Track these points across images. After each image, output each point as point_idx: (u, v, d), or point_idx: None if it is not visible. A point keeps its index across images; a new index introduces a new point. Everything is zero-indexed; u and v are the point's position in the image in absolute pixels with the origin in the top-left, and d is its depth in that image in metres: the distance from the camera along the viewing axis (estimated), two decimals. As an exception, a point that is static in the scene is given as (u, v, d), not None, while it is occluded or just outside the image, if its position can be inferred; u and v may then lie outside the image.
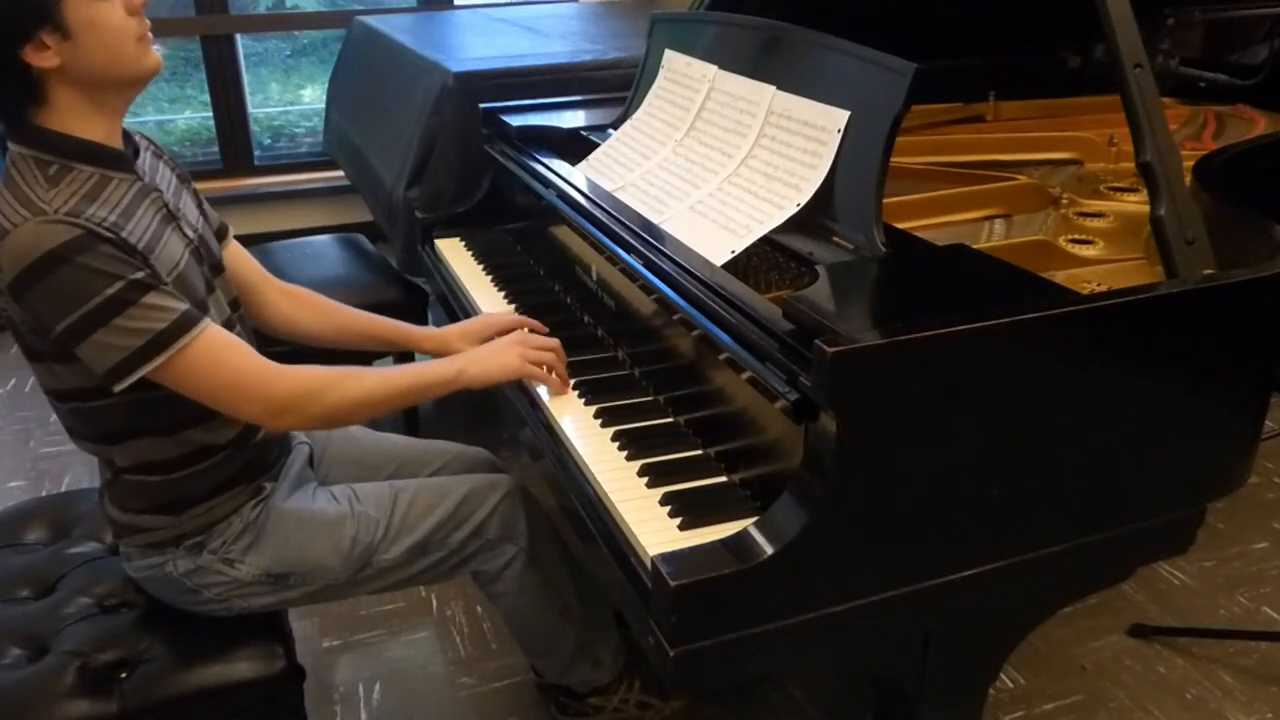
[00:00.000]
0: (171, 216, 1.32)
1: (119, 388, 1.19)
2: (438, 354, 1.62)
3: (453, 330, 1.65)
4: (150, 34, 1.25)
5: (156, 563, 1.38)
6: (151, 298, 1.17)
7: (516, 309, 1.81)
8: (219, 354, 1.22)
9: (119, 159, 1.26)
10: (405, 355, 2.63)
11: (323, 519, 1.44)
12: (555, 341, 1.49)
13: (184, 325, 1.19)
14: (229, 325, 1.37)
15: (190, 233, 1.35)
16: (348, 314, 1.65)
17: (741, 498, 1.22)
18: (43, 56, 1.16)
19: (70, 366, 1.23)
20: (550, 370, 1.47)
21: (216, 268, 1.41)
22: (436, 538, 1.48)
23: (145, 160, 1.34)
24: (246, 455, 1.40)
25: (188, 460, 1.34)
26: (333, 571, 1.43)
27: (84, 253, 1.13)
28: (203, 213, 1.45)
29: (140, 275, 1.17)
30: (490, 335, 1.63)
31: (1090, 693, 1.92)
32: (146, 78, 1.26)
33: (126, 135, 1.31)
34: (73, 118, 1.21)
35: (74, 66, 1.18)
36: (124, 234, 1.18)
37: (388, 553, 1.46)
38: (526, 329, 1.62)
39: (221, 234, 1.52)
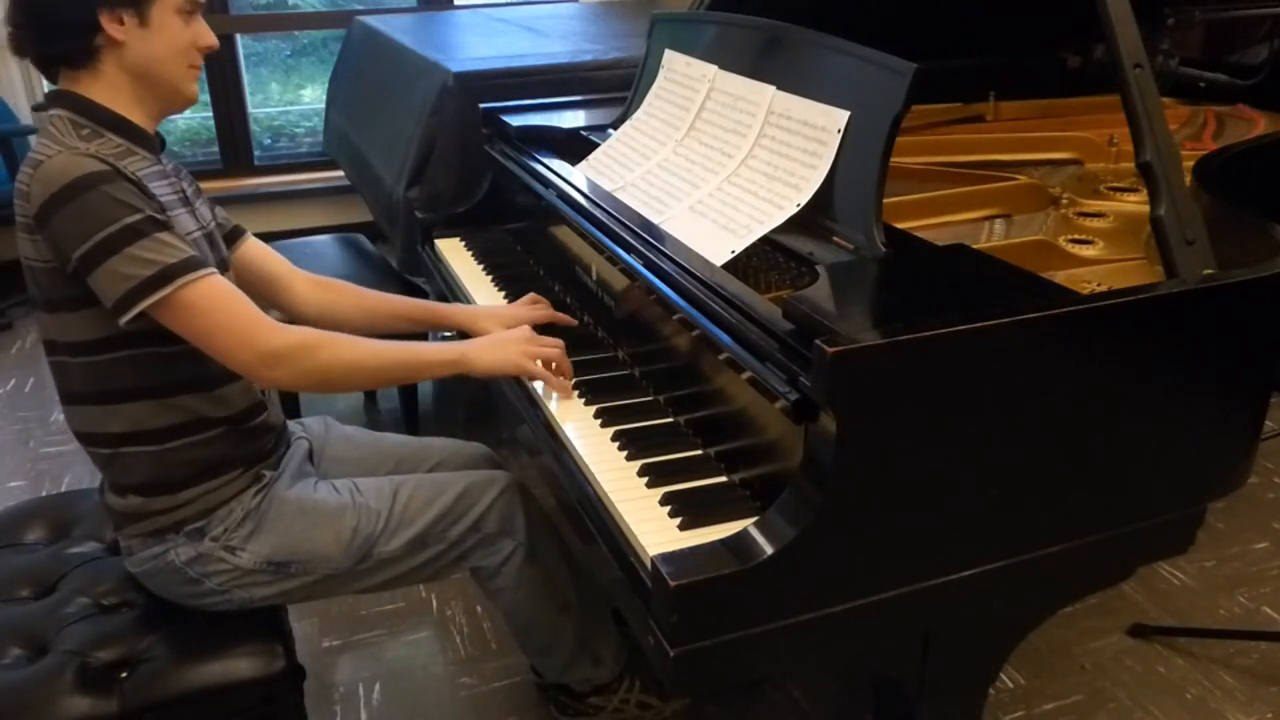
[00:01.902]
0: (186, 201, 1.40)
1: (126, 319, 1.23)
2: (466, 330, 1.66)
3: (482, 310, 1.67)
4: (199, 71, 1.38)
5: (158, 552, 1.39)
6: (165, 235, 1.25)
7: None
8: (221, 299, 1.27)
9: (146, 139, 1.35)
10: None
11: (324, 508, 1.45)
12: (560, 342, 1.49)
13: (191, 264, 1.25)
14: None
15: (202, 220, 1.43)
16: (375, 296, 1.69)
17: (741, 498, 1.22)
18: (114, 27, 1.27)
19: (82, 314, 1.28)
20: (554, 371, 1.47)
21: (223, 264, 1.45)
22: (436, 531, 1.49)
23: (165, 156, 1.42)
24: (240, 437, 1.42)
25: (182, 429, 1.36)
26: (334, 561, 1.44)
27: (109, 183, 1.22)
28: (213, 215, 1.51)
29: (158, 215, 1.25)
30: (516, 325, 1.64)
31: (1090, 693, 1.92)
32: (183, 101, 1.37)
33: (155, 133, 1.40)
34: (114, 96, 1.31)
35: (133, 53, 1.29)
36: (146, 186, 1.27)
37: (388, 545, 1.47)
38: (535, 320, 1.63)
39: (235, 236, 1.57)
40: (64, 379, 1.36)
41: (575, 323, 1.67)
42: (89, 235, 1.21)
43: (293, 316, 1.61)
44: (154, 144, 1.37)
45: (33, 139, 3.71)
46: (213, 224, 1.47)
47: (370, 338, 1.41)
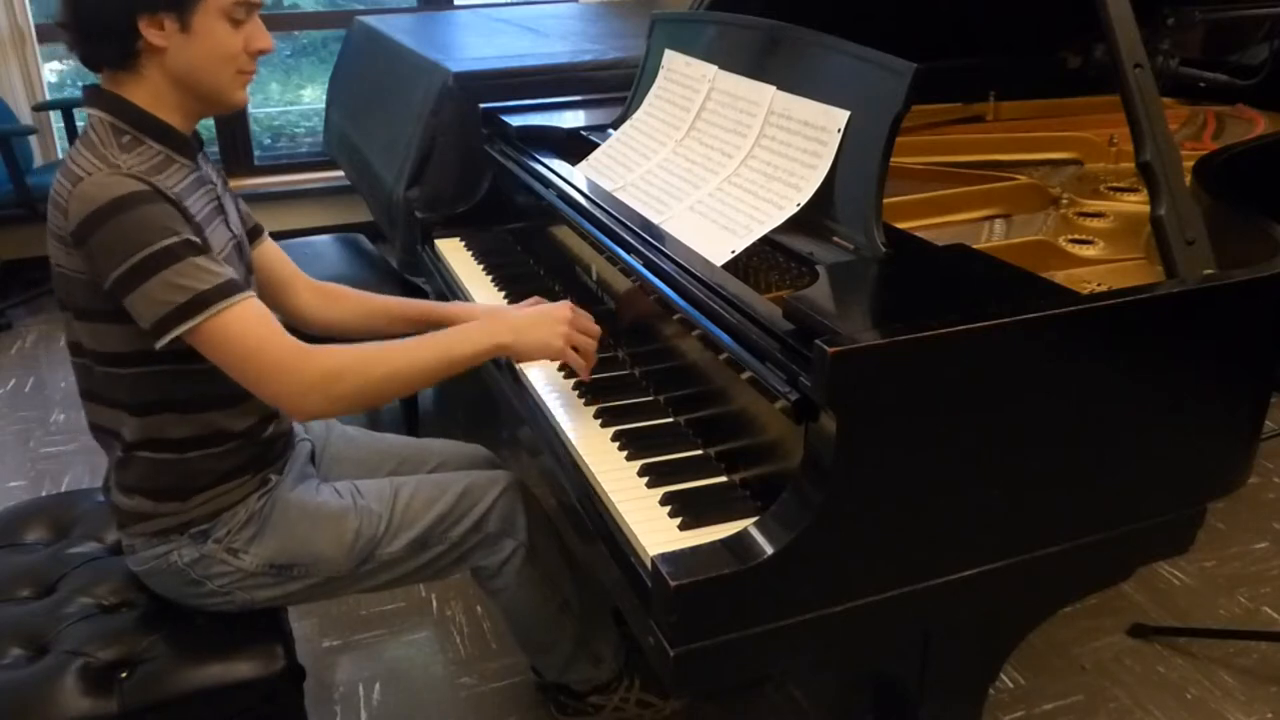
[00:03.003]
0: (221, 210, 1.38)
1: (160, 344, 1.22)
2: None
3: (481, 309, 1.65)
4: (252, 76, 1.34)
5: (161, 552, 1.38)
6: (202, 260, 1.22)
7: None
8: (255, 325, 1.24)
9: (185, 145, 1.33)
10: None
11: (326, 511, 1.45)
12: (598, 330, 1.46)
13: (227, 290, 1.23)
14: None
15: (234, 230, 1.41)
16: (376, 300, 1.67)
17: (741, 498, 1.22)
18: (154, 33, 1.23)
19: (116, 327, 1.27)
20: (586, 353, 1.45)
21: (249, 268, 1.46)
22: (437, 532, 1.49)
23: (200, 160, 1.40)
24: (255, 447, 1.42)
25: (201, 442, 1.35)
26: (335, 564, 1.44)
27: (147, 204, 1.19)
28: (240, 214, 1.50)
29: (195, 238, 1.23)
30: None
31: (1090, 693, 1.92)
32: (229, 108, 1.34)
33: (195, 132, 1.38)
34: (156, 100, 1.28)
35: (175, 59, 1.25)
36: (184, 205, 1.25)
37: (389, 546, 1.47)
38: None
39: (255, 234, 1.57)
40: (87, 380, 1.35)
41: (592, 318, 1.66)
42: (127, 257, 1.18)
43: (292, 321, 1.60)
44: (193, 149, 1.35)
45: (32, 139, 3.73)
46: (240, 230, 1.45)
47: (386, 339, 1.38)
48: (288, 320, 1.58)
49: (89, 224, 1.19)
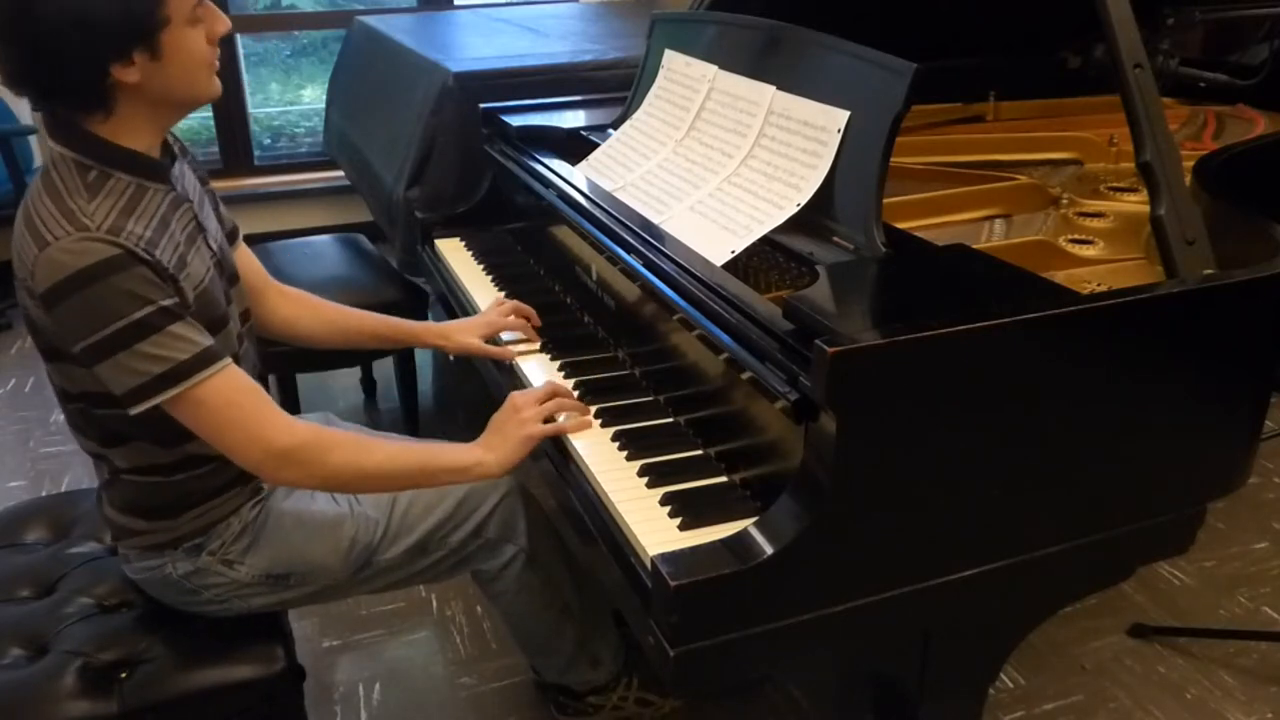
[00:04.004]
0: (200, 229, 1.32)
1: (135, 411, 1.18)
2: (439, 346, 1.65)
3: (452, 324, 1.67)
4: (217, 65, 1.27)
5: (155, 564, 1.38)
6: (178, 327, 1.17)
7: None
8: (234, 394, 1.21)
9: (157, 169, 1.26)
10: (407, 357, 2.66)
11: (322, 519, 1.44)
12: (545, 390, 1.42)
13: (205, 360, 1.18)
14: (240, 339, 1.38)
15: (214, 245, 1.36)
16: (346, 313, 1.66)
17: (741, 498, 1.22)
18: (127, 73, 1.16)
19: (85, 371, 1.22)
20: (562, 408, 1.42)
21: (232, 278, 1.41)
22: (436, 537, 1.48)
23: (178, 166, 1.34)
24: None
25: (186, 465, 1.33)
26: (332, 572, 1.43)
27: (118, 273, 1.13)
28: (220, 219, 1.46)
29: (169, 303, 1.17)
30: (492, 333, 1.65)
31: (1090, 693, 1.92)
32: (206, 102, 1.28)
33: (165, 142, 1.31)
34: (126, 130, 1.22)
35: (150, 86, 1.18)
36: (158, 253, 1.18)
37: (388, 553, 1.46)
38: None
39: (233, 236, 1.53)
40: (67, 414, 1.33)
41: (533, 310, 1.69)
42: (95, 330, 1.13)
43: (259, 327, 1.57)
44: (165, 170, 1.28)
45: (32, 139, 3.72)
46: (220, 237, 1.40)
47: (352, 350, 1.34)
48: (257, 328, 1.56)
49: (57, 293, 1.13)
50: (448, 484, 1.41)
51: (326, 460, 1.25)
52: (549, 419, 1.40)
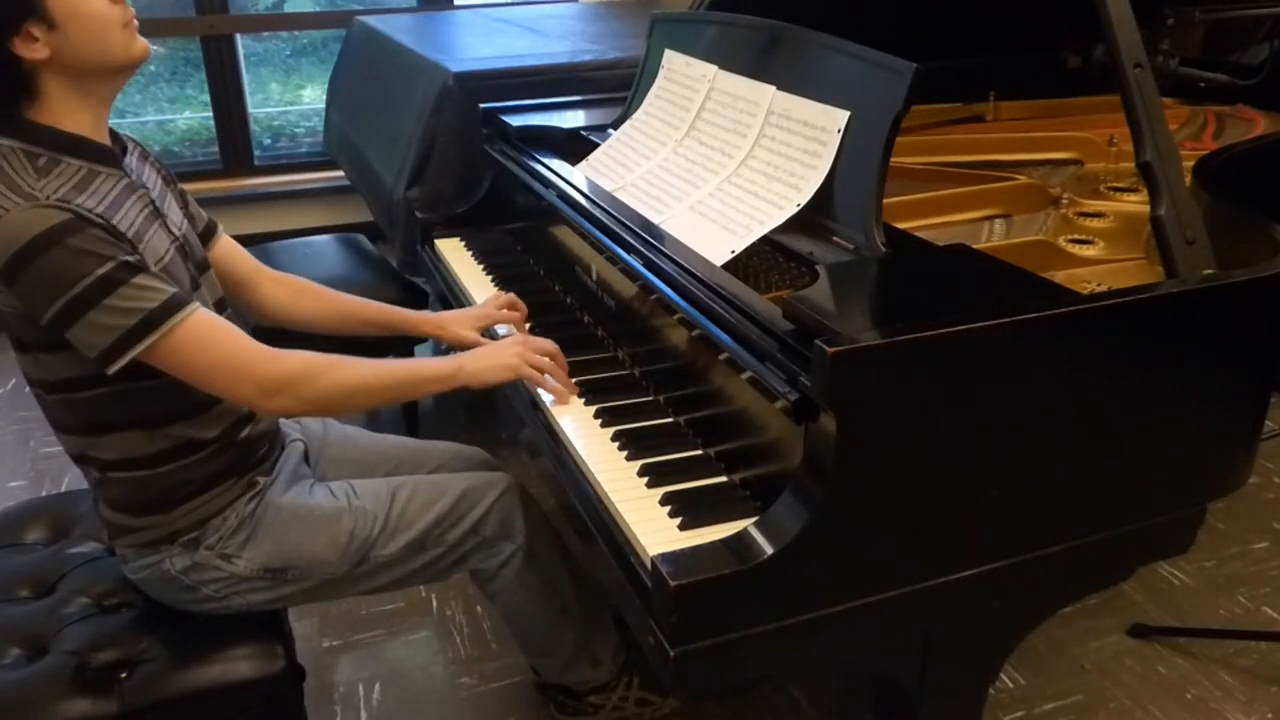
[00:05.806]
0: (157, 213, 1.33)
1: (113, 369, 1.19)
2: (435, 336, 1.67)
3: (448, 314, 1.68)
4: (135, 21, 1.26)
5: (153, 561, 1.38)
6: (141, 279, 1.18)
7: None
8: (211, 334, 1.23)
9: (106, 154, 1.27)
10: (407, 355, 2.66)
11: (320, 513, 1.44)
12: (552, 345, 1.48)
13: (175, 305, 1.20)
14: None
15: (176, 231, 1.37)
16: (344, 300, 1.67)
17: (741, 498, 1.22)
18: (32, 48, 1.17)
19: (58, 355, 1.24)
20: (549, 375, 1.46)
21: (202, 266, 1.42)
22: (434, 534, 1.48)
23: (132, 160, 1.36)
24: (232, 452, 1.40)
25: (171, 455, 1.34)
26: (330, 566, 1.43)
27: (74, 235, 1.14)
28: (188, 215, 1.46)
29: (130, 258, 1.18)
30: (487, 325, 1.67)
31: (1090, 693, 1.92)
32: (135, 64, 1.26)
33: (114, 135, 1.33)
34: (62, 111, 1.23)
35: (64, 56, 1.19)
36: (113, 221, 1.20)
37: (385, 548, 1.46)
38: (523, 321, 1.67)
39: (210, 232, 1.53)
40: (45, 409, 1.33)
41: (524, 306, 1.70)
42: (60, 294, 1.14)
43: (258, 316, 1.60)
44: (116, 157, 1.29)
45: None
46: (185, 225, 1.41)
47: (347, 352, 1.37)
48: (255, 317, 1.58)
49: (15, 264, 1.13)
50: (433, 393, 1.43)
51: (317, 383, 1.28)
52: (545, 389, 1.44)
